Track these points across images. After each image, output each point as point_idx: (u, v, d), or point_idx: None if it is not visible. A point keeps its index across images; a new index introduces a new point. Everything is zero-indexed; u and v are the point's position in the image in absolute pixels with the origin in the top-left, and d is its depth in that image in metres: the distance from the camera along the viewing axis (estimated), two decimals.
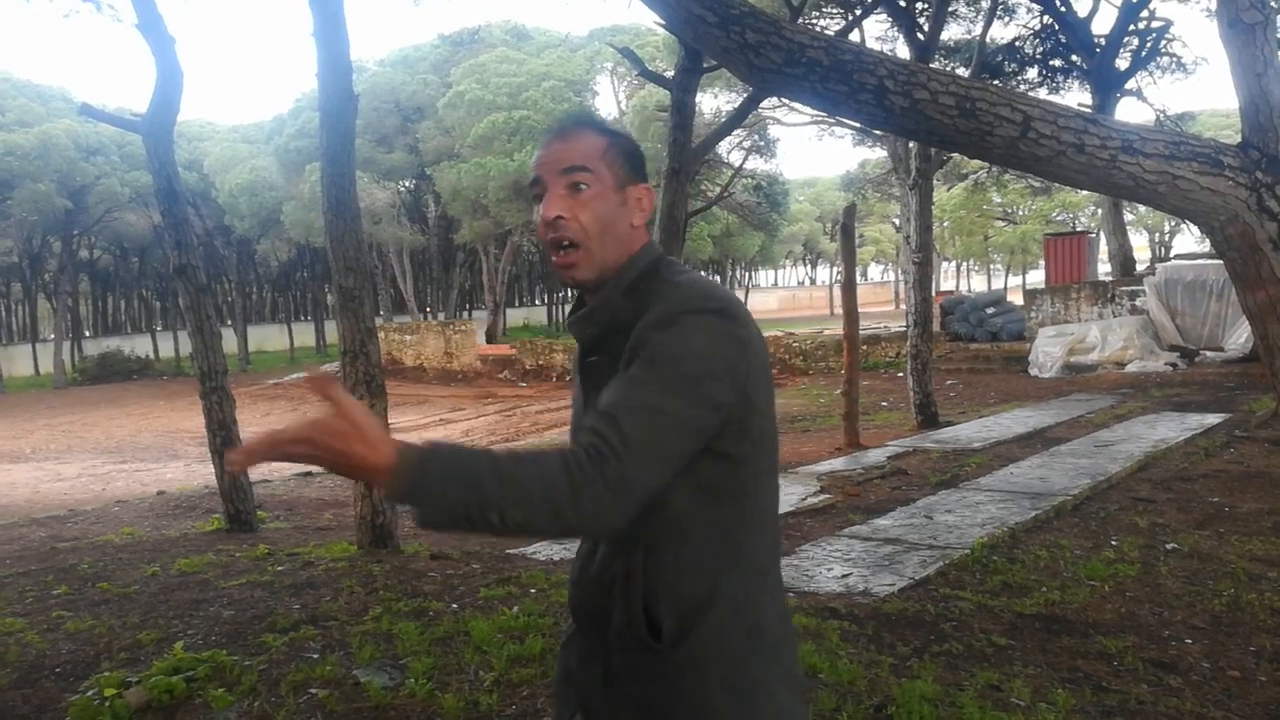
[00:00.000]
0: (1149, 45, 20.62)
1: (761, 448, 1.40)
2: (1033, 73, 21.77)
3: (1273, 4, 4.04)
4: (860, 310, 10.91)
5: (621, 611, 1.38)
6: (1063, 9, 19.66)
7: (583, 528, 1.30)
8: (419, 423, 19.60)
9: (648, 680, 1.39)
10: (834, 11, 18.93)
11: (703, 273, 1.55)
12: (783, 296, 69.98)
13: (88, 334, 50.05)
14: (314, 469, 12.02)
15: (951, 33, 20.50)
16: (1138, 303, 17.52)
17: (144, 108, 7.29)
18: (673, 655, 1.37)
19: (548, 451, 1.22)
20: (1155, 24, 20.43)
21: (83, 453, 18.60)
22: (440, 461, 1.16)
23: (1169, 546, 5.25)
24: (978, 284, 65.29)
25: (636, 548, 1.38)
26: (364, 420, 1.12)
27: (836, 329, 11.45)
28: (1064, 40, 20.43)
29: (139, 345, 43.41)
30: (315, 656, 3.81)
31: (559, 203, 1.43)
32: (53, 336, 39.82)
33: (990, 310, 20.07)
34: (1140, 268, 22.04)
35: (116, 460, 17.22)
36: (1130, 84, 21.17)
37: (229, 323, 42.32)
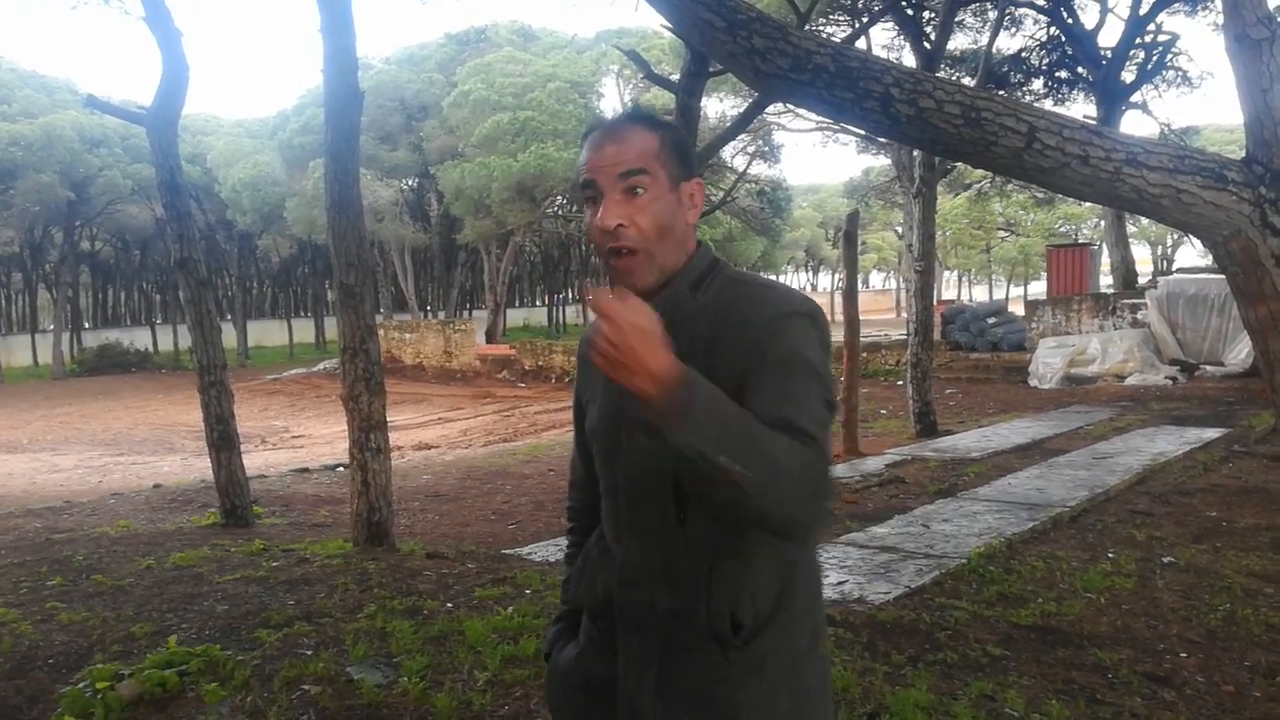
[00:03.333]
0: (1155, 59, 20.65)
1: None
2: (1038, 84, 21.80)
3: (1279, 20, 4.04)
4: (861, 318, 10.91)
5: (704, 608, 1.37)
6: (1069, 21, 19.68)
7: (805, 518, 1.25)
8: (417, 420, 19.60)
9: (710, 682, 1.39)
10: (841, 19, 18.94)
11: None
12: None
13: (87, 326, 50.05)
14: (310, 465, 12.03)
15: (958, 42, 20.54)
16: (1139, 315, 17.53)
17: (149, 100, 7.31)
18: (742, 656, 1.38)
19: (782, 438, 1.22)
20: (1162, 37, 20.48)
21: (80, 444, 18.60)
22: (703, 391, 1.18)
23: (1166, 560, 5.24)
24: (979, 294, 65.31)
25: (725, 544, 1.38)
26: (658, 332, 1.18)
27: (837, 336, 11.43)
28: (1070, 52, 20.46)
29: (138, 338, 43.46)
30: (309, 653, 3.80)
31: (617, 209, 1.39)
32: (52, 327, 39.85)
33: (991, 320, 20.08)
34: (1142, 280, 22.05)
35: (113, 453, 17.21)
36: (1136, 97, 21.22)
37: (229, 317, 42.37)
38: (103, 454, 17.02)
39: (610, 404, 1.50)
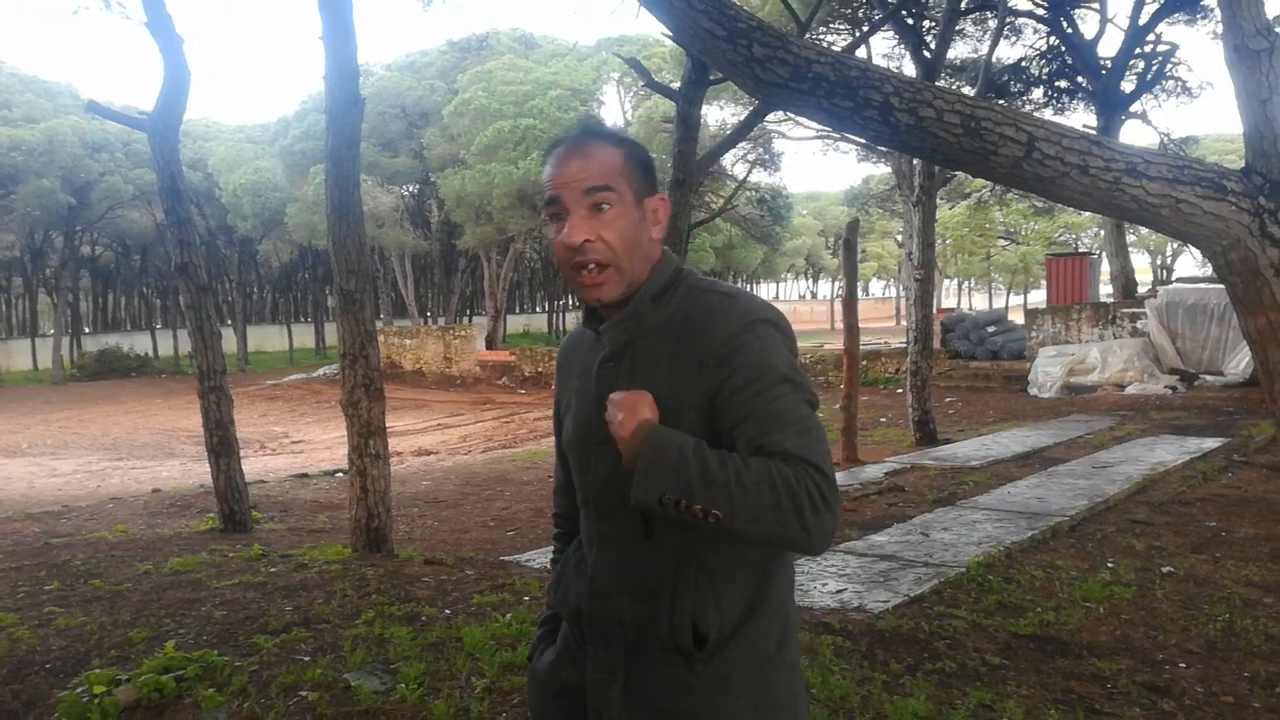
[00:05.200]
0: (1154, 69, 20.67)
1: None
2: (1038, 93, 21.81)
3: (1278, 31, 4.05)
4: (861, 325, 10.91)
5: (667, 621, 1.37)
6: (1069, 30, 19.73)
7: (813, 537, 1.27)
8: (417, 426, 19.59)
9: (674, 694, 1.38)
10: (841, 28, 18.99)
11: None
12: (783, 310, 69.42)
13: (87, 330, 50.03)
14: (309, 471, 12.03)
15: (958, 51, 20.59)
16: (1139, 325, 17.53)
17: (150, 106, 7.31)
18: (707, 669, 1.37)
19: (756, 469, 1.26)
20: (1161, 47, 20.50)
21: (79, 449, 18.57)
22: (666, 448, 1.27)
23: (1165, 570, 5.24)
24: (979, 302, 65.38)
25: (690, 556, 1.37)
26: (643, 402, 1.34)
27: (837, 343, 11.49)
28: (1070, 62, 20.49)
29: (138, 343, 43.43)
30: (306, 659, 3.79)
31: (583, 226, 1.39)
32: (52, 332, 39.84)
33: (991, 329, 20.08)
34: (1142, 290, 22.05)
35: (112, 457, 17.20)
36: (1135, 107, 21.21)
37: (229, 322, 42.34)
38: (102, 458, 17.00)
39: (582, 417, 1.50)
